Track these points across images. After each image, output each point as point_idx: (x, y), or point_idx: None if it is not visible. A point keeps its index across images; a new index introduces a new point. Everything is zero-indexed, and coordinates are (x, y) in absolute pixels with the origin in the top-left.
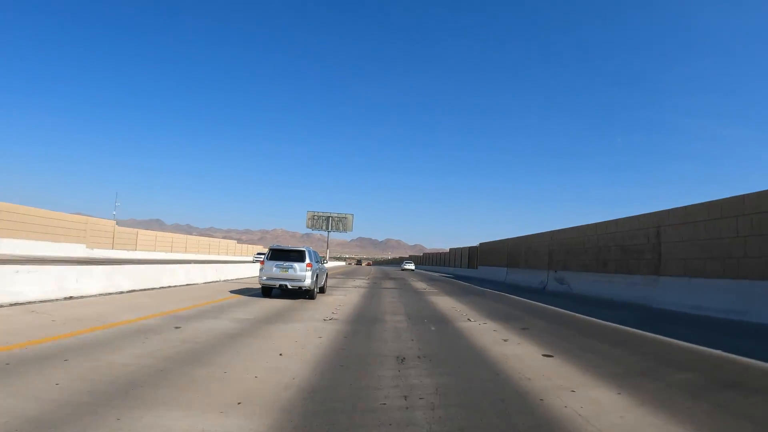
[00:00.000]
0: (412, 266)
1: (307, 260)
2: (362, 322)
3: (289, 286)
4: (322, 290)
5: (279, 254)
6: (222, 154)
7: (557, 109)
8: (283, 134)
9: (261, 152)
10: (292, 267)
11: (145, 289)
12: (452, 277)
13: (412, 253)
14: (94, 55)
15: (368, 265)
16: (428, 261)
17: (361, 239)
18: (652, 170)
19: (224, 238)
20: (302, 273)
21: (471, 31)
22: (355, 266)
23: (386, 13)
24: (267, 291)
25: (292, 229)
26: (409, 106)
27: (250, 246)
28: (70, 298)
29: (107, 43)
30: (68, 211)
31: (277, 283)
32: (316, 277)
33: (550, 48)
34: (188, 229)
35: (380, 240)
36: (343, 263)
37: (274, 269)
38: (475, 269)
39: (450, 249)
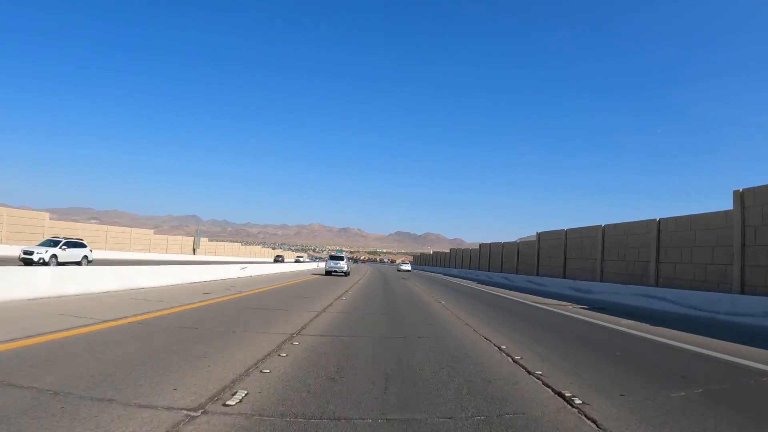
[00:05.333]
0: (408, 267)
1: (345, 260)
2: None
3: (338, 271)
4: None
5: (334, 257)
6: (259, 149)
7: (609, 100)
8: (320, 128)
9: (297, 146)
10: (338, 263)
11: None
12: None
13: (452, 247)
14: (129, 49)
15: (364, 261)
16: (458, 261)
17: (399, 233)
18: None
19: (260, 233)
20: (343, 265)
21: (515, 24)
22: (352, 266)
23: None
24: (328, 273)
25: (329, 224)
26: (449, 94)
27: (230, 245)
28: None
29: (142, 38)
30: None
31: (333, 270)
32: (348, 266)
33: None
34: (224, 224)
35: (419, 234)
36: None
37: (331, 264)
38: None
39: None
